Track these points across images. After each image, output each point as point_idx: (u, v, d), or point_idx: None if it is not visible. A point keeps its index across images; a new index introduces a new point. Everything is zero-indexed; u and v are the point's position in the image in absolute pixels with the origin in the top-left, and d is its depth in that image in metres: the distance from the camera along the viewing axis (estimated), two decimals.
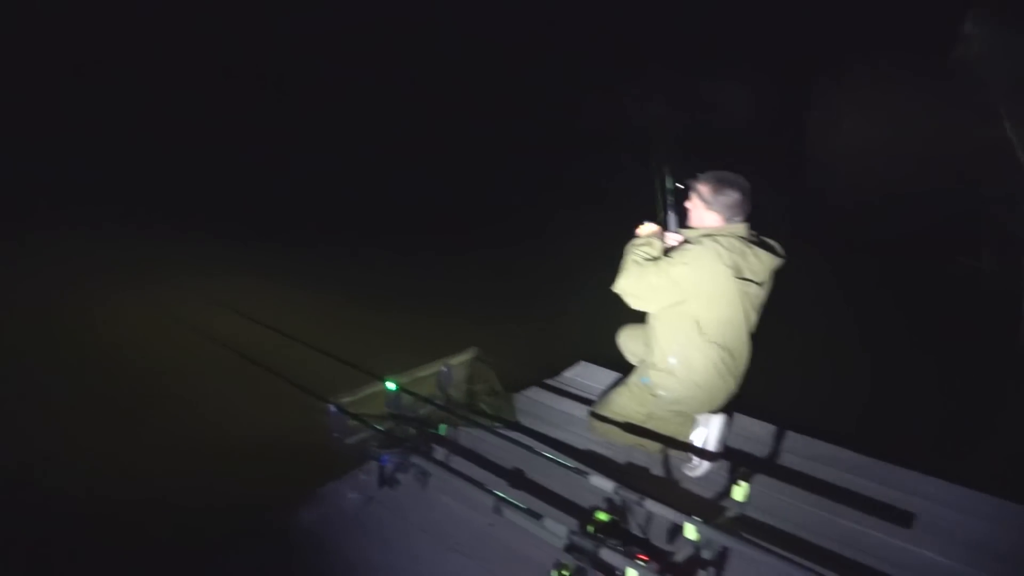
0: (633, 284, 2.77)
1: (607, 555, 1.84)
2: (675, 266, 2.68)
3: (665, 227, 2.92)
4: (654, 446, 2.89)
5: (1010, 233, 4.50)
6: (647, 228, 2.96)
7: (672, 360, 2.80)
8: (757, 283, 2.72)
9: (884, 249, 7.27)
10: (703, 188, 2.77)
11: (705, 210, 2.78)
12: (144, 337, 4.56)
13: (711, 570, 1.97)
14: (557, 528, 1.93)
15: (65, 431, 3.43)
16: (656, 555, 1.92)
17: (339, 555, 2.34)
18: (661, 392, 2.84)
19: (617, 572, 1.86)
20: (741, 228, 2.75)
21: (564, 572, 1.89)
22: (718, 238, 2.69)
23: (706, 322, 2.72)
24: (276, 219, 8.11)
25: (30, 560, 2.59)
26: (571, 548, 1.94)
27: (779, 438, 3.11)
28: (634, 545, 1.95)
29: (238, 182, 8.92)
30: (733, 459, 2.90)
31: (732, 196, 2.71)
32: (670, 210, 2.91)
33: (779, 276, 2.80)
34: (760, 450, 3.04)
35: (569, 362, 3.88)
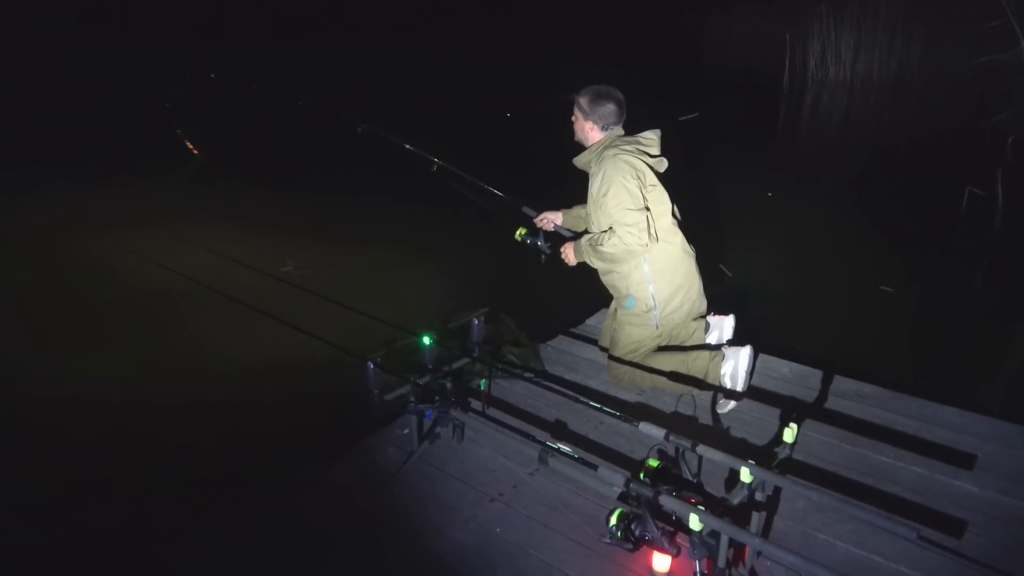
0: (629, 239, 2.75)
1: (664, 501, 1.83)
2: (627, 194, 2.74)
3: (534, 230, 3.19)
4: (683, 388, 2.89)
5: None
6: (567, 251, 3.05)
7: (646, 268, 2.89)
8: (659, 156, 2.92)
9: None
10: (582, 100, 2.93)
11: (584, 120, 2.93)
12: (150, 285, 4.48)
13: (764, 511, 1.98)
14: (612, 477, 1.92)
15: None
16: (712, 500, 1.92)
17: (378, 509, 2.33)
18: (653, 305, 2.92)
19: (675, 517, 1.86)
20: (619, 131, 2.93)
21: (622, 519, 1.89)
22: (615, 150, 2.82)
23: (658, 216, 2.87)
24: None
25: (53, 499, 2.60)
26: (625, 496, 1.93)
27: (811, 377, 3.11)
28: (688, 490, 1.95)
29: None
30: (766, 399, 2.90)
31: (608, 106, 2.88)
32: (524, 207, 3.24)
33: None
34: (793, 390, 3.03)
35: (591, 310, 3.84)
